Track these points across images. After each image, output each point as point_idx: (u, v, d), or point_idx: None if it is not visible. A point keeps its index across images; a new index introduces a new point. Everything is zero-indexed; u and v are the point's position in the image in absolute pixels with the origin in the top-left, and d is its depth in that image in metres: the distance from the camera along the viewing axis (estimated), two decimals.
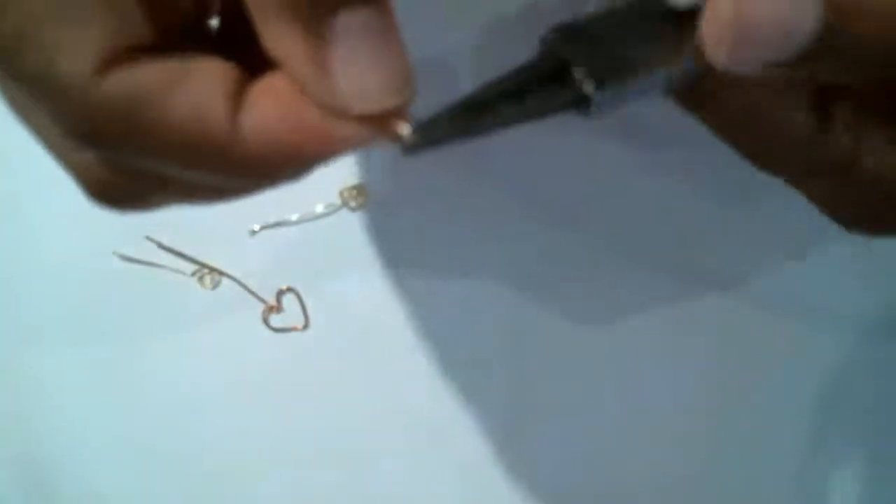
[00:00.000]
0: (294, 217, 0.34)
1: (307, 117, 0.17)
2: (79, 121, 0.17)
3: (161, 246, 0.34)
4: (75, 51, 0.16)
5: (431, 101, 0.18)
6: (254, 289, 0.34)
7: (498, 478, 0.33)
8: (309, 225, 0.34)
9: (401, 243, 0.34)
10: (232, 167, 0.18)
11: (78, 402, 0.35)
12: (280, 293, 0.34)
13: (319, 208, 0.34)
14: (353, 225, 0.34)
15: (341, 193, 0.34)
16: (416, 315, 0.33)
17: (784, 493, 0.32)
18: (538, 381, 0.33)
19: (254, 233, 0.34)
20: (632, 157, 0.32)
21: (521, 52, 0.19)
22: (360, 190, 0.34)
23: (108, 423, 0.35)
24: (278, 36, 0.16)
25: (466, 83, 0.19)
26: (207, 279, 0.34)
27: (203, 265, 0.34)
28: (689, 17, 0.17)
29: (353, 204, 0.34)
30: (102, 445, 0.35)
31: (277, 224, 0.34)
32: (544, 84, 0.18)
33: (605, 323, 0.33)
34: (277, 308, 0.34)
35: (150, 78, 0.16)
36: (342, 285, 0.34)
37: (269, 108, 0.17)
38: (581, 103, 0.17)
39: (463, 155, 0.33)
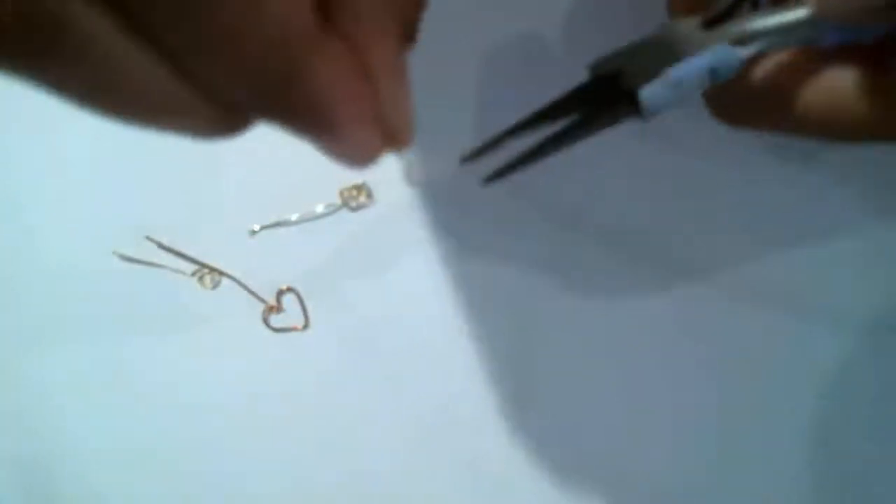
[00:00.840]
0: (294, 217, 0.34)
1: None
2: None
3: (161, 246, 0.34)
4: None
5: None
6: (254, 289, 0.34)
7: (498, 477, 0.33)
8: (309, 225, 0.34)
9: (401, 243, 0.34)
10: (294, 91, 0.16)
11: (78, 402, 0.35)
12: (280, 293, 0.34)
13: (319, 208, 0.34)
14: (353, 225, 0.34)
15: (341, 193, 0.34)
16: (416, 315, 0.33)
17: (783, 491, 0.32)
18: (540, 380, 0.33)
19: (254, 233, 0.34)
20: (636, 156, 0.32)
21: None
22: (360, 190, 0.34)
23: (107, 422, 0.35)
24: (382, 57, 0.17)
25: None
26: (207, 279, 0.34)
27: (203, 265, 0.34)
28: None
29: (353, 204, 0.34)
30: (102, 445, 0.35)
31: (277, 224, 0.34)
32: (596, 100, 0.20)
33: (605, 322, 0.33)
34: (277, 308, 0.34)
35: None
36: (342, 285, 0.34)
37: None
38: (631, 103, 0.19)
39: (462, 154, 0.33)
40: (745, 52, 0.19)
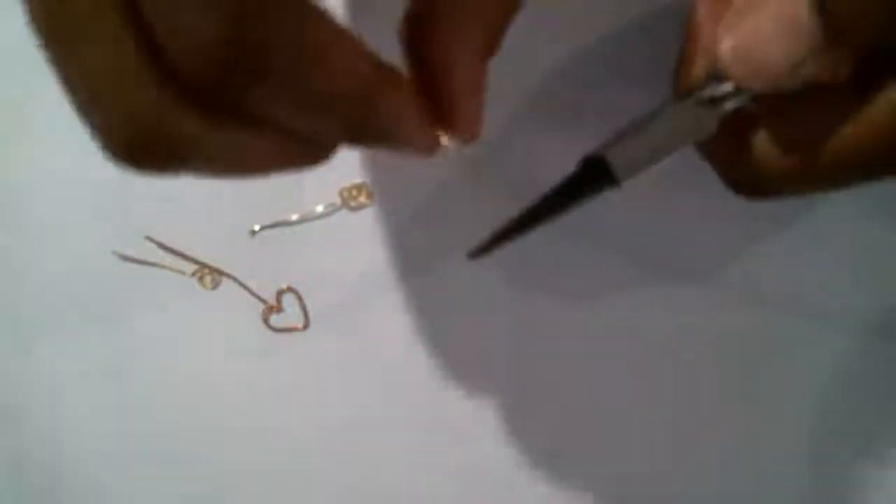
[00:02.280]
0: (294, 217, 0.34)
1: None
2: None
3: (161, 246, 0.34)
4: None
5: None
6: (254, 289, 0.34)
7: (498, 477, 0.33)
8: (309, 225, 0.34)
9: (401, 243, 0.34)
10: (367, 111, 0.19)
11: (77, 401, 0.35)
12: (280, 293, 0.34)
13: (319, 208, 0.34)
14: (353, 225, 0.34)
15: (341, 193, 0.34)
16: (416, 315, 0.33)
17: (783, 491, 0.32)
18: (540, 379, 0.33)
19: (254, 233, 0.34)
20: None
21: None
22: (360, 190, 0.34)
23: (107, 421, 0.35)
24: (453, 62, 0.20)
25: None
26: (207, 279, 0.34)
27: (203, 265, 0.34)
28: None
29: (353, 204, 0.34)
30: (102, 444, 0.35)
31: (277, 224, 0.34)
32: (580, 178, 0.22)
33: (606, 321, 0.33)
34: (277, 308, 0.34)
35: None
36: (342, 285, 0.34)
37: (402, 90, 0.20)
38: (600, 170, 0.22)
39: (463, 155, 0.33)
40: (709, 112, 0.21)
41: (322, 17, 0.17)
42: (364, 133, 0.19)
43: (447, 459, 0.33)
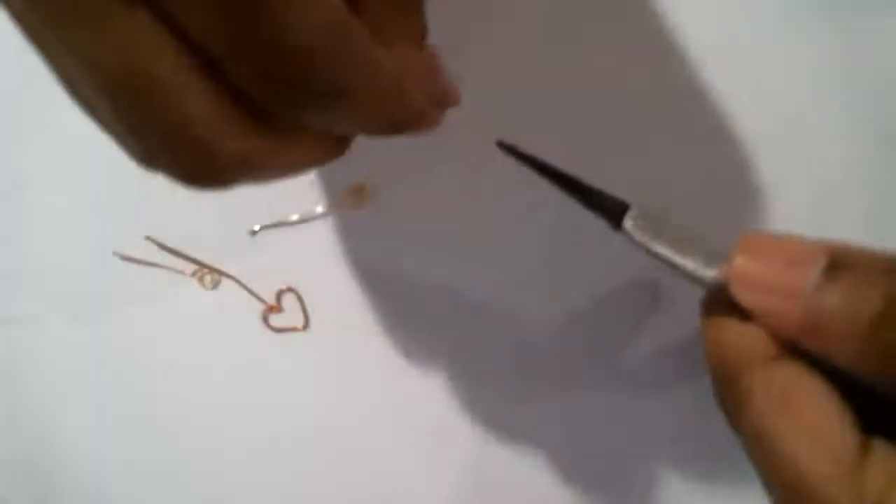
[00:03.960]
0: (294, 217, 0.34)
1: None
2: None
3: (161, 246, 0.34)
4: None
5: None
6: (254, 289, 0.34)
7: (498, 476, 0.33)
8: (309, 225, 0.34)
9: (401, 243, 0.34)
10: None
11: (77, 402, 0.35)
12: (280, 293, 0.34)
13: (319, 208, 0.34)
14: (353, 225, 0.34)
15: (341, 193, 0.34)
16: (416, 314, 0.33)
17: None
18: (539, 378, 0.33)
19: (254, 233, 0.34)
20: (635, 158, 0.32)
21: None
22: (360, 190, 0.34)
23: (106, 421, 0.35)
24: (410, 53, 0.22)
25: None
26: (207, 279, 0.34)
27: (203, 265, 0.34)
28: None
29: (353, 204, 0.34)
30: (101, 445, 0.35)
31: (277, 224, 0.34)
32: (600, 198, 0.25)
33: (611, 318, 0.33)
34: (277, 308, 0.34)
35: None
36: (342, 285, 0.34)
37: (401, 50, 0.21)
38: (618, 212, 0.24)
39: (463, 155, 0.33)
40: (709, 271, 0.23)
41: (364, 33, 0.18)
42: (398, 126, 0.21)
43: (447, 458, 0.33)
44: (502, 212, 0.33)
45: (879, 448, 0.19)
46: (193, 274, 0.34)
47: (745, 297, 0.21)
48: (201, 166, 0.18)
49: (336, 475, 0.34)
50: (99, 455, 0.35)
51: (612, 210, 0.24)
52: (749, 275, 0.21)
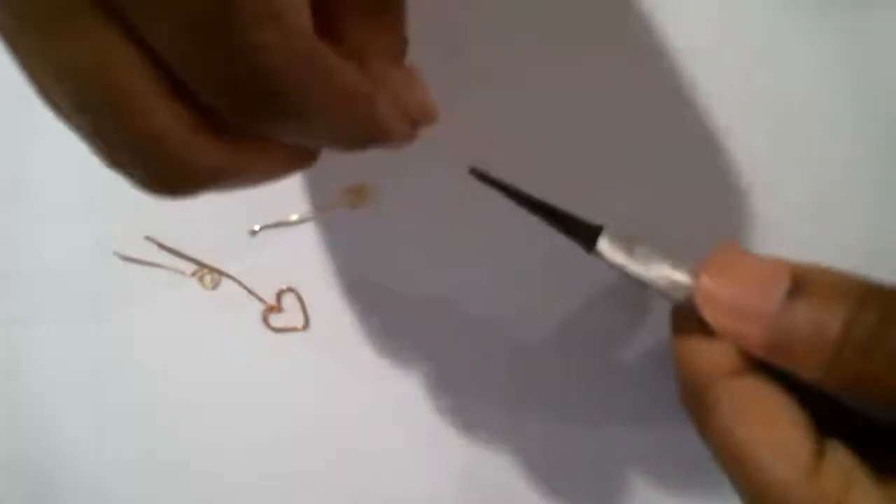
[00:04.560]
0: (294, 217, 0.34)
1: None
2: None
3: (161, 246, 0.34)
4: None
5: None
6: (254, 289, 0.34)
7: (497, 476, 0.33)
8: (309, 225, 0.34)
9: (400, 243, 0.34)
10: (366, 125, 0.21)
11: (76, 401, 0.35)
12: (280, 293, 0.34)
13: (319, 209, 0.34)
14: (353, 224, 0.34)
15: (341, 193, 0.34)
16: (416, 314, 0.33)
17: None
18: (538, 376, 0.33)
19: (254, 233, 0.34)
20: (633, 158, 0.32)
21: None
22: (359, 190, 0.34)
23: (107, 423, 0.35)
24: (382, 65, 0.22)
25: None
26: (207, 279, 0.34)
27: (203, 265, 0.34)
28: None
29: (353, 204, 0.34)
30: (100, 445, 0.35)
31: (277, 224, 0.34)
32: (573, 222, 0.26)
33: (606, 318, 0.33)
34: (277, 308, 0.34)
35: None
36: (342, 285, 0.34)
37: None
38: (591, 236, 0.25)
39: (463, 156, 0.33)
40: (678, 290, 0.24)
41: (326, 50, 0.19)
42: (364, 142, 0.22)
43: (446, 458, 0.33)
44: (502, 212, 0.33)
45: (835, 451, 0.21)
46: (193, 274, 0.34)
47: (711, 316, 0.22)
48: (170, 177, 0.18)
49: (336, 475, 0.34)
50: (99, 455, 0.35)
51: (584, 233, 0.25)
52: (715, 295, 0.22)
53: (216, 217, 0.34)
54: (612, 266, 0.25)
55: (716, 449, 0.22)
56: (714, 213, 0.32)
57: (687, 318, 0.24)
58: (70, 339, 0.35)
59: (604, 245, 0.25)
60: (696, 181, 0.32)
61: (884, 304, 0.20)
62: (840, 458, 0.21)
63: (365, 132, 0.21)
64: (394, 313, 0.34)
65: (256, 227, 0.34)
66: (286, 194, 0.34)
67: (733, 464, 0.21)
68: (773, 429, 0.21)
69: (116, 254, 0.34)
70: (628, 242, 0.25)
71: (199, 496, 0.34)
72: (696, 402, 0.23)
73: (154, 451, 0.35)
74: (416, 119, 0.23)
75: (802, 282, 0.21)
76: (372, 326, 0.34)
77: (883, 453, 0.21)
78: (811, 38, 0.32)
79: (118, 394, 0.35)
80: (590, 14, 0.32)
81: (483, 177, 0.26)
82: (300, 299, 0.34)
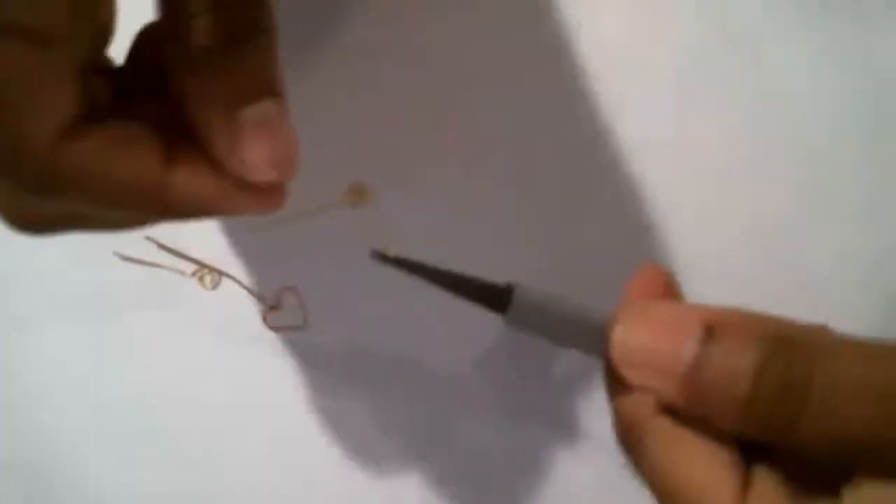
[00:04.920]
0: (294, 217, 0.34)
1: (219, 182, 0.22)
2: (39, 178, 0.20)
3: (161, 246, 0.34)
4: (43, 117, 0.19)
5: None
6: (254, 289, 0.34)
7: (497, 475, 0.33)
8: (309, 224, 0.34)
9: (400, 243, 0.34)
10: (161, 213, 0.23)
11: (78, 403, 0.35)
12: (280, 293, 0.34)
13: (319, 208, 0.34)
14: (353, 224, 0.34)
15: (341, 193, 0.34)
16: (416, 314, 0.33)
17: None
18: (538, 375, 0.33)
19: (254, 233, 0.34)
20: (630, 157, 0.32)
21: None
22: (360, 190, 0.34)
23: (106, 423, 0.35)
24: (206, 118, 0.21)
25: None
26: (207, 279, 0.34)
27: (203, 265, 0.34)
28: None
29: (353, 204, 0.34)
30: (100, 444, 0.35)
31: (277, 224, 0.34)
32: (481, 288, 0.25)
33: None
34: (277, 307, 0.34)
35: (100, 146, 0.20)
36: (342, 285, 0.34)
37: (194, 171, 0.22)
38: (502, 299, 0.24)
39: (463, 155, 0.33)
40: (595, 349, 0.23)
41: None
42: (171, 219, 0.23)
43: (447, 458, 0.33)
44: (502, 212, 0.33)
45: (760, 481, 0.21)
46: (193, 274, 0.34)
47: (627, 373, 0.22)
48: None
49: (335, 474, 0.34)
50: (98, 455, 0.35)
51: (494, 299, 0.24)
52: (628, 351, 0.22)
53: (216, 217, 0.34)
54: (523, 331, 0.24)
55: (648, 486, 0.22)
56: (713, 213, 0.32)
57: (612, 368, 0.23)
58: (70, 340, 0.35)
59: (513, 312, 0.24)
60: (694, 181, 0.32)
61: (792, 350, 0.20)
62: (766, 489, 0.21)
63: (162, 216, 0.22)
64: (393, 312, 0.34)
65: (256, 227, 0.34)
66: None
67: (662, 503, 0.22)
68: (697, 467, 0.21)
69: (116, 254, 0.34)
70: (542, 302, 0.24)
71: (200, 496, 0.34)
72: (625, 443, 0.23)
73: (153, 451, 0.35)
74: (262, 178, 0.22)
75: (716, 327, 0.21)
76: (371, 326, 0.34)
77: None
78: (812, 38, 0.32)
79: (118, 394, 0.35)
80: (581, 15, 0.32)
81: (383, 258, 0.26)
82: (300, 299, 0.34)
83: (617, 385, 0.24)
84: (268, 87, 0.22)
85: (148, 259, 0.34)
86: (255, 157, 0.21)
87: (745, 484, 0.21)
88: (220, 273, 0.34)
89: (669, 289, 0.24)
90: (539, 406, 0.33)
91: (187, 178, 0.22)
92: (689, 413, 0.21)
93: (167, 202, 0.22)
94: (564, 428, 0.33)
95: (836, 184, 0.32)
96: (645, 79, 0.32)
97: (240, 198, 0.22)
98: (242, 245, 0.34)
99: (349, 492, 0.34)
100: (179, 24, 0.21)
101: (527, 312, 0.24)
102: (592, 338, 0.23)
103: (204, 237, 0.34)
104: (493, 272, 0.34)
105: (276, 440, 0.34)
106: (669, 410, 0.22)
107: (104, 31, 0.22)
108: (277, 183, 0.23)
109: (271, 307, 0.34)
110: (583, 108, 0.32)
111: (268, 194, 0.23)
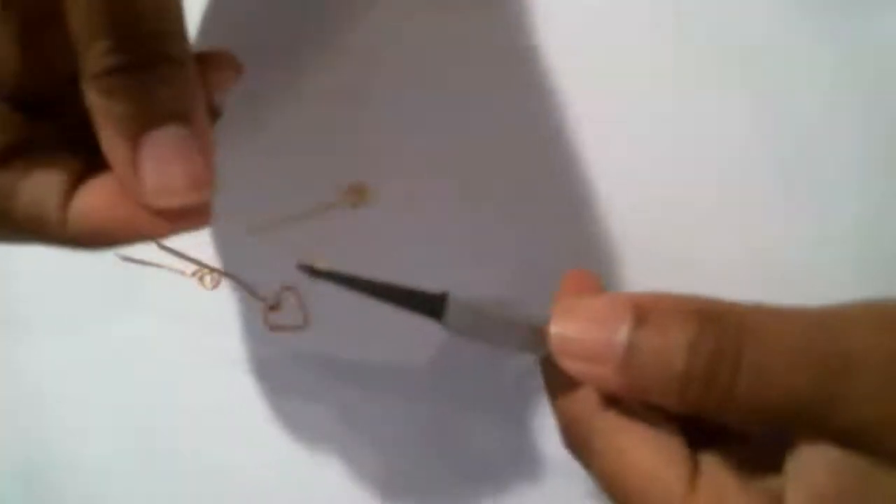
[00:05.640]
0: (294, 216, 0.34)
1: (122, 210, 0.22)
2: None
3: (161, 246, 0.34)
4: None
5: None
6: (254, 289, 0.34)
7: (498, 476, 0.33)
8: (309, 224, 0.34)
9: (400, 243, 0.34)
10: (56, 244, 0.22)
11: (77, 402, 0.35)
12: (280, 293, 0.34)
13: (319, 208, 0.34)
14: (353, 224, 0.34)
15: (341, 193, 0.34)
16: (416, 314, 0.33)
17: None
18: (538, 375, 0.33)
19: (254, 233, 0.34)
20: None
21: None
22: (360, 190, 0.34)
23: (107, 423, 0.35)
24: (108, 142, 0.21)
25: None
26: (207, 279, 0.34)
27: (203, 265, 0.34)
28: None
29: (353, 204, 0.34)
30: (101, 444, 0.35)
31: (277, 223, 0.34)
32: (415, 297, 0.25)
33: None
34: (277, 307, 0.34)
35: (3, 182, 0.21)
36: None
37: (93, 201, 0.22)
38: (437, 306, 0.24)
39: (463, 155, 0.33)
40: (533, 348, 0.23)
41: None
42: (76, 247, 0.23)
43: (447, 458, 0.33)
44: (502, 212, 0.33)
45: (708, 470, 0.21)
46: (193, 274, 0.34)
47: (567, 365, 0.22)
48: None
49: (335, 474, 0.34)
50: (99, 455, 0.35)
51: (429, 305, 0.25)
52: (565, 342, 0.22)
53: (216, 217, 0.34)
54: (462, 335, 0.24)
55: (597, 482, 0.22)
56: (712, 213, 0.32)
57: (553, 365, 0.24)
58: (70, 339, 0.35)
59: (449, 318, 0.24)
60: (693, 180, 0.32)
61: (721, 325, 0.20)
62: (713, 478, 0.21)
63: (60, 243, 0.22)
64: (393, 312, 0.34)
65: (256, 227, 0.34)
66: (286, 194, 0.34)
67: (615, 497, 0.22)
68: (645, 457, 0.21)
69: (116, 254, 0.34)
70: (477, 307, 0.24)
71: (200, 495, 0.34)
72: (572, 442, 0.24)
73: (154, 451, 0.35)
74: (160, 204, 0.22)
75: (645, 313, 0.21)
76: (371, 325, 0.34)
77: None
78: (812, 38, 0.32)
79: (118, 394, 0.35)
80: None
81: (310, 270, 0.25)
82: (300, 299, 0.34)
83: (556, 382, 0.24)
84: (172, 113, 0.21)
85: (148, 259, 0.34)
86: (152, 182, 0.21)
87: (694, 471, 0.21)
88: (220, 273, 0.34)
89: (596, 289, 0.25)
90: (539, 406, 0.33)
91: (91, 204, 0.22)
92: (629, 400, 0.22)
93: (66, 235, 0.22)
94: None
95: (836, 183, 0.32)
96: (646, 80, 0.32)
97: (149, 223, 0.22)
98: (242, 245, 0.34)
99: (349, 491, 0.34)
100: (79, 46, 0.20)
101: (463, 318, 0.24)
102: (530, 338, 0.24)
103: (204, 237, 0.34)
104: (494, 271, 0.34)
105: (276, 440, 0.34)
106: (612, 404, 0.22)
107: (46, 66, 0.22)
108: (190, 206, 0.22)
109: (271, 307, 0.34)
110: (582, 110, 0.32)
111: (182, 217, 0.23)
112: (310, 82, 0.32)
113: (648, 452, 0.21)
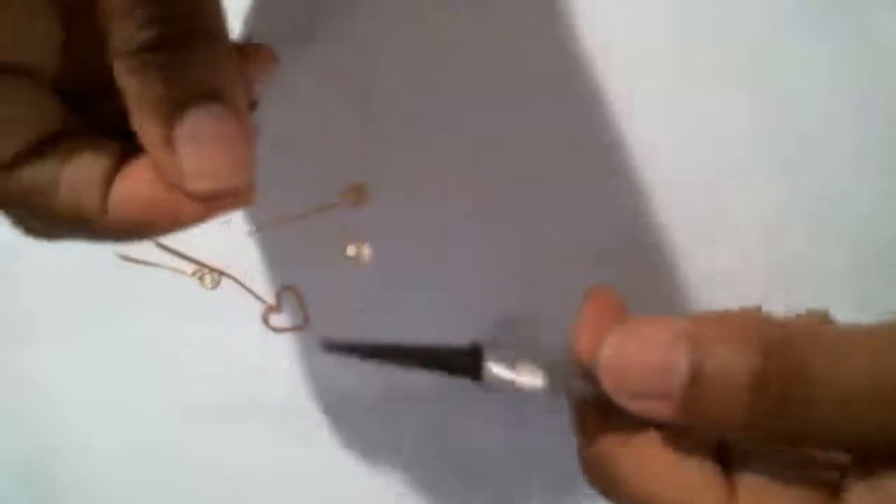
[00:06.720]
0: (294, 216, 0.34)
1: (162, 195, 0.21)
2: None
3: (161, 246, 0.34)
4: (5, 143, 0.20)
5: None
6: (254, 289, 0.34)
7: (499, 475, 0.33)
8: (309, 224, 0.34)
9: (400, 242, 0.34)
10: (99, 236, 0.22)
11: (78, 402, 0.35)
12: (280, 293, 0.34)
13: (319, 208, 0.34)
14: (352, 224, 0.34)
15: (341, 193, 0.34)
16: (417, 313, 0.33)
17: None
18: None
19: (254, 233, 0.34)
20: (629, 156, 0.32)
21: None
22: (360, 189, 0.34)
23: (107, 421, 0.35)
24: (143, 124, 0.20)
25: None
26: (207, 279, 0.34)
27: (203, 265, 0.34)
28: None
29: (353, 204, 0.34)
30: (101, 444, 0.35)
31: (277, 224, 0.34)
32: (453, 356, 0.23)
33: None
34: (277, 308, 0.34)
35: (43, 174, 0.20)
36: (342, 284, 0.34)
37: (133, 187, 0.21)
38: (475, 369, 0.23)
39: (463, 155, 0.33)
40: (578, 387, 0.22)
41: None
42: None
43: (448, 458, 0.33)
44: (502, 211, 0.33)
45: (745, 488, 0.20)
46: (193, 274, 0.34)
47: (625, 403, 0.21)
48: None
49: (336, 474, 0.34)
50: (100, 455, 0.35)
51: (464, 362, 0.23)
52: (623, 380, 0.21)
53: (216, 217, 0.34)
54: (503, 389, 0.23)
55: None
56: (711, 213, 0.32)
57: (582, 403, 0.23)
58: (70, 339, 0.35)
59: (488, 372, 0.23)
60: (692, 180, 0.32)
61: (789, 351, 0.19)
62: (751, 495, 0.20)
63: (100, 234, 0.22)
64: (393, 311, 0.34)
65: (256, 228, 0.34)
66: (286, 194, 0.34)
67: None
68: (680, 484, 0.20)
69: (116, 254, 0.34)
70: (512, 355, 0.23)
71: (200, 495, 0.34)
72: (601, 475, 0.23)
73: (155, 451, 0.35)
74: (198, 188, 0.21)
75: (701, 341, 0.20)
76: (372, 325, 0.34)
77: None
78: (812, 38, 0.32)
79: (118, 394, 0.35)
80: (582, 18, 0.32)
81: (333, 347, 0.24)
82: (300, 299, 0.34)
83: (587, 412, 0.23)
84: (209, 92, 0.20)
85: (148, 259, 0.34)
86: (191, 165, 0.20)
87: (731, 494, 0.20)
88: (220, 273, 0.34)
89: (620, 309, 0.23)
90: (539, 406, 0.33)
91: (131, 191, 0.21)
92: (681, 427, 0.21)
93: (106, 224, 0.21)
94: (565, 428, 0.33)
95: (837, 183, 0.32)
96: (645, 80, 0.32)
97: (191, 208, 0.22)
98: (242, 245, 0.34)
99: (348, 491, 0.34)
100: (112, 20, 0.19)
101: (501, 371, 0.23)
102: (565, 376, 0.23)
103: (204, 237, 0.34)
104: (495, 272, 0.34)
105: (277, 440, 0.34)
106: (643, 427, 0.21)
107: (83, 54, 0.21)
108: (233, 189, 0.21)
109: (271, 307, 0.34)
110: (584, 108, 0.32)
111: (225, 200, 0.22)
112: (310, 82, 0.32)
113: (684, 474, 0.21)
